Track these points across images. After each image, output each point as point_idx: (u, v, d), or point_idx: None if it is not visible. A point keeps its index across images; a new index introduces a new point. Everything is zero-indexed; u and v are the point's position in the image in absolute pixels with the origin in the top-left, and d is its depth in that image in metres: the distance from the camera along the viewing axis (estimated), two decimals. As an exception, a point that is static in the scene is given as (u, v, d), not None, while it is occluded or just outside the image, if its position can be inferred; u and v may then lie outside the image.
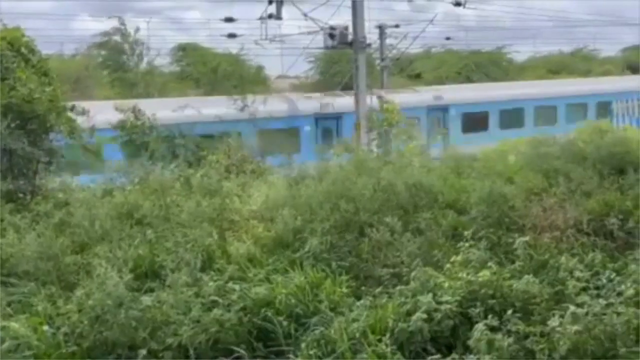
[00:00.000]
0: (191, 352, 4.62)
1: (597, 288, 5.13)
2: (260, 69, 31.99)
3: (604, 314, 4.49)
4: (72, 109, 8.53)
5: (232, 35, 23.79)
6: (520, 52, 41.93)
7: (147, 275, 6.02)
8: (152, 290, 5.56)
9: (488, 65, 35.33)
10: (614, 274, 5.37)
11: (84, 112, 9.45)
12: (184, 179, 8.71)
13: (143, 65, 28.90)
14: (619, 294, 4.90)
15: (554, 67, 36.58)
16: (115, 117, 11.12)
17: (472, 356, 4.29)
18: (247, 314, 5.27)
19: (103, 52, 29.20)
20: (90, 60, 27.60)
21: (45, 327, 4.61)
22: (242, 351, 4.68)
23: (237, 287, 5.68)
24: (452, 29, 28.94)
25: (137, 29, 27.48)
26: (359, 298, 5.63)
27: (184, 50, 31.58)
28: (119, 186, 8.49)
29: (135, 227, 7.21)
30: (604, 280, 5.27)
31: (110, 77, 28.39)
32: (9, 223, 6.64)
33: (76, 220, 6.50)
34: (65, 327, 4.70)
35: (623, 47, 41.22)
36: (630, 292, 4.83)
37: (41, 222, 6.70)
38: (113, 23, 27.37)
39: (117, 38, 28.48)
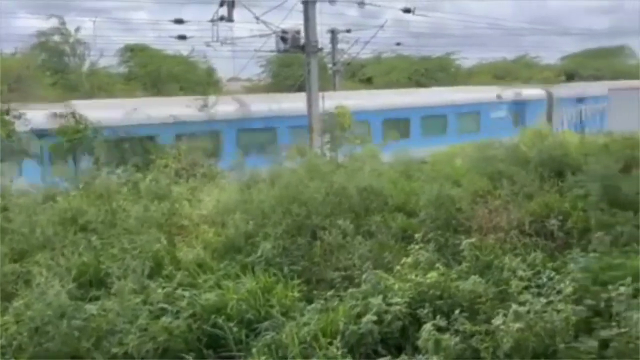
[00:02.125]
0: (137, 361, 4.50)
1: (538, 287, 5.33)
2: (211, 71, 31.63)
3: (545, 312, 4.67)
4: (8, 112, 8.16)
5: (182, 37, 23.39)
6: (468, 59, 43.25)
7: (92, 283, 5.82)
8: (97, 298, 5.38)
9: (437, 71, 36.27)
10: (553, 273, 5.59)
11: (19, 117, 9.07)
12: (132, 184, 8.48)
13: (86, 66, 27.98)
14: (559, 292, 5.10)
15: (499, 73, 37.91)
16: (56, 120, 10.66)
17: (420, 356, 4.37)
18: (196, 320, 5.18)
19: (43, 52, 28.05)
20: (31, 60, 26.46)
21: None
22: (191, 359, 4.59)
23: (186, 293, 5.57)
24: (402, 35, 29.61)
25: (78, 29, 26.55)
26: (310, 302, 5.63)
27: (132, 51, 30.80)
28: (62, 191, 8.17)
29: (79, 234, 6.97)
30: (545, 279, 5.48)
31: (52, 78, 27.30)
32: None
33: (15, 227, 6.21)
34: (2, 339, 4.47)
35: (562, 55, 43.27)
36: (569, 290, 5.04)
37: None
38: (54, 22, 26.37)
39: (56, 38, 27.41)
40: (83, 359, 4.40)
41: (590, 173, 8.24)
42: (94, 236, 6.90)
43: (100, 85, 26.06)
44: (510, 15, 61.82)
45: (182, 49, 29.30)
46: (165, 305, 5.33)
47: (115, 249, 6.32)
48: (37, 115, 10.21)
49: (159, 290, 5.57)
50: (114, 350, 4.52)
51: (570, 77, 37.01)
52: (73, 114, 9.61)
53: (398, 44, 31.28)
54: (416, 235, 6.41)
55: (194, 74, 30.68)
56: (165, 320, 4.99)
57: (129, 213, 7.43)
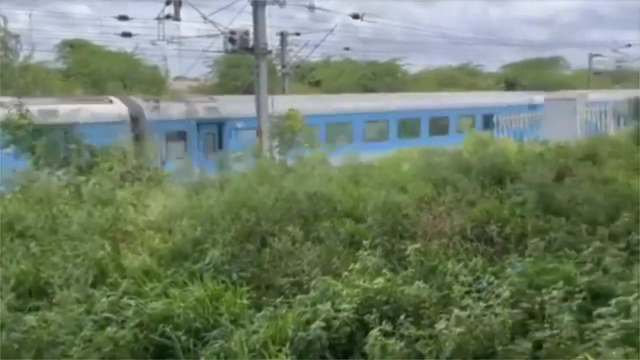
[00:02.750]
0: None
1: (478, 291, 5.58)
2: (156, 69, 30.90)
3: (484, 315, 4.90)
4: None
5: (126, 34, 22.78)
6: (414, 65, 44.37)
7: (31, 292, 5.61)
8: (37, 308, 5.19)
9: (384, 76, 36.98)
10: (492, 277, 5.86)
11: None
12: (74, 187, 8.19)
13: (19, 61, 26.58)
14: (497, 295, 5.36)
15: (444, 80, 39.10)
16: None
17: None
18: (143, 330, 5.09)
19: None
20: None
21: None
22: (139, 370, 4.51)
23: (132, 302, 5.46)
24: (351, 40, 30.05)
25: (5, 21, 25.14)
26: (260, 308, 5.65)
27: (72, 47, 29.62)
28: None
29: (16, 240, 6.68)
30: (485, 284, 5.74)
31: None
32: None
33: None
34: None
35: (503, 64, 45.11)
36: (507, 294, 5.30)
37: None
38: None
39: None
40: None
41: (527, 181, 8.67)
42: (32, 243, 6.64)
43: (36, 81, 24.86)
44: (455, 24, 63.99)
45: (126, 46, 28.54)
46: (110, 315, 5.21)
47: (56, 256, 6.10)
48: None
49: (104, 300, 5.44)
50: (53, 363, 4.38)
51: (511, 85, 38.66)
52: (18, 107, 9.10)
53: (347, 48, 31.67)
54: (364, 242, 6.54)
55: (138, 72, 29.86)
56: (110, 330, 4.88)
57: (71, 219, 7.19)
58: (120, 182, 8.88)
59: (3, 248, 6.17)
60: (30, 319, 4.71)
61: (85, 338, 4.66)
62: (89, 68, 28.25)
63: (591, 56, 39.11)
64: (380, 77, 36.26)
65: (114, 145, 9.76)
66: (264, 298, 6.03)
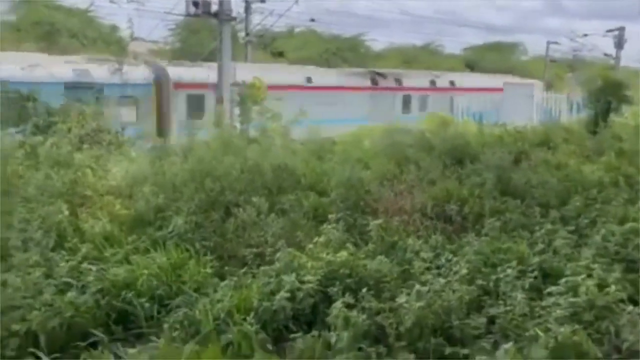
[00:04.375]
0: (42, 338, 4.30)
1: (437, 267, 5.78)
2: (114, 29, 29.63)
3: (443, 291, 5.09)
4: None
5: (82, -12, 21.62)
6: (378, 41, 44.29)
7: (-15, 256, 5.41)
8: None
9: (347, 50, 36.77)
10: (451, 255, 6.08)
11: None
12: (30, 148, 7.87)
13: None
14: (455, 272, 5.58)
15: (407, 58, 39.28)
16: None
17: (331, 333, 4.60)
18: (104, 296, 5.04)
19: None
20: None
21: None
22: (100, 334, 4.47)
23: (93, 267, 5.38)
24: (317, 12, 29.59)
25: None
26: (222, 278, 5.67)
27: (25, 2, 27.91)
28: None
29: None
30: (443, 261, 5.96)
31: None
32: None
33: None
34: None
35: (464, 46, 45.70)
36: (464, 271, 5.52)
37: None
38: None
39: None
40: (-21, 336, 4.12)
41: (487, 163, 8.95)
42: (-16, 204, 6.38)
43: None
44: (418, 3, 64.11)
45: (80, 2, 27.18)
46: (70, 280, 5.12)
47: (12, 218, 5.89)
48: None
49: (63, 264, 5.33)
50: (15, 327, 4.28)
51: (471, 67, 39.27)
52: None
53: (312, 19, 31.26)
54: (330, 216, 6.62)
55: (95, 30, 28.55)
56: (71, 295, 4.80)
57: (27, 180, 6.93)
58: (79, 144, 8.58)
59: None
60: (-13, 282, 4.57)
61: (45, 302, 4.56)
62: (39, 22, 26.75)
63: (549, 43, 40.15)
64: (343, 51, 36.03)
65: (71, 105, 9.39)
66: (227, 268, 6.05)
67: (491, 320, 5.02)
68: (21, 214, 6.01)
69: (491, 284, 5.52)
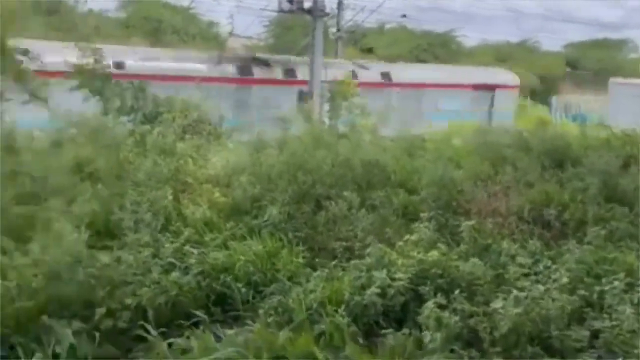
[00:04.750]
0: (150, 313, 4.63)
1: (535, 274, 5.54)
2: (212, 25, 31.01)
3: (542, 299, 4.88)
4: (26, 53, 7.97)
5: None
6: (470, 38, 42.88)
7: (101, 233, 5.90)
8: (106, 247, 5.47)
9: (438, 47, 35.98)
10: (550, 262, 5.80)
11: (25, 53, 8.80)
12: (139, 136, 8.46)
13: (84, 8, 27.08)
14: (555, 280, 5.32)
15: (501, 56, 37.76)
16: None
17: (426, 332, 4.56)
18: (205, 278, 5.33)
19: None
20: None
21: (-3, 281, 4.47)
22: (202, 315, 4.73)
23: (194, 251, 5.70)
24: (408, 8, 29.10)
25: None
26: (313, 269, 5.80)
27: (132, -2, 29.95)
28: (68, 137, 8.12)
29: (86, 182, 6.99)
30: (541, 267, 5.70)
31: (44, 18, 26.43)
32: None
33: (27, 170, 6.21)
34: (18, 281, 4.56)
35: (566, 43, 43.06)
36: (565, 280, 5.25)
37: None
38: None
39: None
40: (97, 306, 4.51)
41: (591, 167, 8.41)
42: (99, 185, 6.94)
43: (98, 29, 25.36)
44: (524, 2, 61.01)
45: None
46: (174, 261, 5.46)
47: (124, 200, 6.37)
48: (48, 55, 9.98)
49: (167, 245, 5.69)
50: (127, 301, 4.64)
51: (572, 66, 37.00)
52: (96, 55, 9.39)
53: (404, 15, 30.84)
54: (422, 214, 6.55)
55: (195, 27, 30.04)
56: (175, 275, 5.13)
57: (136, 165, 7.45)
58: (182, 134, 9.10)
59: (75, 189, 6.46)
60: (104, 257, 4.98)
61: (153, 280, 4.90)
62: (148, 19, 28.58)
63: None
64: (434, 48, 35.27)
65: (176, 96, 9.97)
66: (318, 259, 6.18)
67: (594, 334, 4.75)
68: (132, 197, 6.48)
69: (594, 296, 5.22)
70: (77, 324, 4.28)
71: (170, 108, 9.39)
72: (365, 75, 20.06)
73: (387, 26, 36.63)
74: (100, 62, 9.52)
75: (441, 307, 4.91)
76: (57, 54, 11.21)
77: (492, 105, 22.68)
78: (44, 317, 4.24)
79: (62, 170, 6.54)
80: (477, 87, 22.77)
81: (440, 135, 13.18)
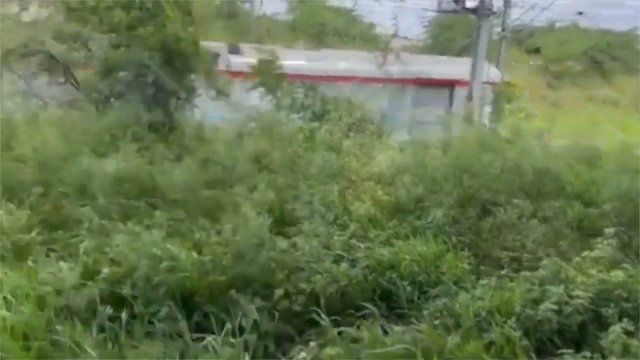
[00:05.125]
0: (322, 300, 4.88)
1: None
2: (372, 26, 31.50)
3: None
4: (217, 57, 8.95)
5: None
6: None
7: (276, 220, 6.35)
8: (283, 234, 5.88)
9: (618, 48, 32.42)
10: None
11: (215, 56, 9.83)
12: (309, 132, 8.95)
13: (256, 12, 29.21)
14: None
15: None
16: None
17: (612, 358, 4.19)
18: (371, 272, 5.46)
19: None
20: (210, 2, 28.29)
21: (194, 254, 5.06)
22: (372, 307, 4.86)
23: (361, 245, 5.88)
24: (583, 4, 26.55)
25: None
26: (478, 276, 5.63)
27: (300, 1, 31.63)
28: (247, 131, 8.90)
29: (263, 172, 7.59)
30: None
31: (224, 22, 29.03)
32: (157, 152, 7.26)
33: (218, 158, 6.95)
34: (209, 256, 5.12)
35: None
36: None
37: (186, 156, 7.24)
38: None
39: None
40: (276, 288, 4.88)
41: None
42: (272, 175, 7.50)
43: (269, 31, 27.28)
44: None
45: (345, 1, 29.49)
46: (342, 253, 5.69)
47: (297, 191, 6.80)
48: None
49: (336, 237, 5.94)
50: (302, 285, 4.95)
51: None
52: (271, 56, 10.25)
53: (580, 13, 28.27)
54: (607, 230, 6.00)
55: (356, 28, 30.82)
56: (344, 266, 5.34)
57: (306, 160, 7.89)
58: (347, 132, 9.43)
59: (254, 178, 7.06)
60: (283, 243, 5.37)
61: (325, 269, 5.16)
62: (313, 22, 30.01)
63: None
64: (614, 48, 31.83)
65: (343, 96, 10.38)
66: (482, 267, 5.98)
67: None
68: (303, 189, 6.89)
69: None
70: (258, 302, 4.67)
71: (337, 107, 9.78)
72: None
73: (558, 24, 33.94)
74: (274, 62, 10.27)
75: (628, 333, 4.46)
76: (240, 55, 12.33)
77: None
78: (232, 292, 4.70)
79: (244, 160, 7.18)
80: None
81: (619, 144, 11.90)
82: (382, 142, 9.51)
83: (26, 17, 9.29)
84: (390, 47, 25.98)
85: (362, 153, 8.79)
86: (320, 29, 29.35)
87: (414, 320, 4.86)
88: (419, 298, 5.27)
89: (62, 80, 9.58)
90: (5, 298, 3.93)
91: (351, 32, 30.43)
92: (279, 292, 4.82)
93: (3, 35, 8.69)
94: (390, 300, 5.29)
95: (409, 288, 5.31)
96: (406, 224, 6.55)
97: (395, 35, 27.27)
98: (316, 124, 9.37)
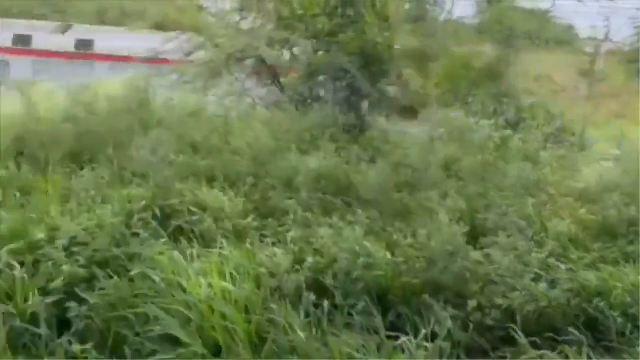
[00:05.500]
0: (518, 318, 4.63)
1: None
2: (570, 28, 28.76)
3: None
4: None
5: (552, -8, 21.72)
6: None
7: (468, 230, 6.17)
8: (474, 245, 5.69)
9: None
10: None
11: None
12: (500, 140, 8.55)
13: (443, 16, 28.65)
14: None
15: None
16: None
17: None
18: (575, 297, 5.02)
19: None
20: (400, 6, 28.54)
21: (388, 254, 5.16)
22: (579, 335, 4.46)
23: (562, 265, 5.43)
24: None
25: None
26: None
27: (489, 3, 30.24)
28: (437, 136, 8.81)
29: (452, 179, 7.44)
30: None
31: (410, 26, 28.96)
32: (353, 153, 7.59)
33: (411, 162, 7.02)
34: (402, 258, 5.17)
35: None
36: None
37: (378, 157, 7.44)
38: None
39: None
40: (469, 299, 4.75)
41: None
42: (461, 184, 7.29)
43: (456, 35, 26.52)
44: None
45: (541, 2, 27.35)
46: (540, 272, 5.31)
47: (489, 202, 6.53)
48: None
49: (533, 255, 5.57)
50: (498, 300, 4.75)
51: None
52: None
53: None
54: None
55: (550, 30, 28.45)
56: (543, 286, 4.98)
57: (500, 170, 7.54)
58: (544, 142, 8.79)
59: (445, 185, 6.96)
60: (476, 254, 5.21)
61: (524, 286, 4.87)
62: (502, 25, 28.44)
63: None
64: None
65: (540, 104, 9.70)
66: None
67: None
68: (496, 200, 6.59)
69: None
70: (451, 310, 4.59)
71: (533, 115, 9.17)
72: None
73: None
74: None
75: None
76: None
77: None
78: (425, 296, 4.69)
79: (435, 166, 7.12)
80: None
81: None
82: (584, 155, 8.65)
83: (244, 25, 10.41)
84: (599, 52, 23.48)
85: (561, 166, 8.12)
86: (509, 33, 27.69)
87: (626, 357, 4.35)
88: (631, 332, 4.70)
89: (269, 82, 10.53)
90: (231, 274, 4.46)
91: (544, 35, 28.17)
92: (472, 303, 4.69)
93: (226, 41, 9.88)
94: (596, 330, 4.80)
95: (619, 319, 4.76)
96: (616, 249, 5.88)
97: (606, 39, 24.57)
98: (509, 132, 8.88)
